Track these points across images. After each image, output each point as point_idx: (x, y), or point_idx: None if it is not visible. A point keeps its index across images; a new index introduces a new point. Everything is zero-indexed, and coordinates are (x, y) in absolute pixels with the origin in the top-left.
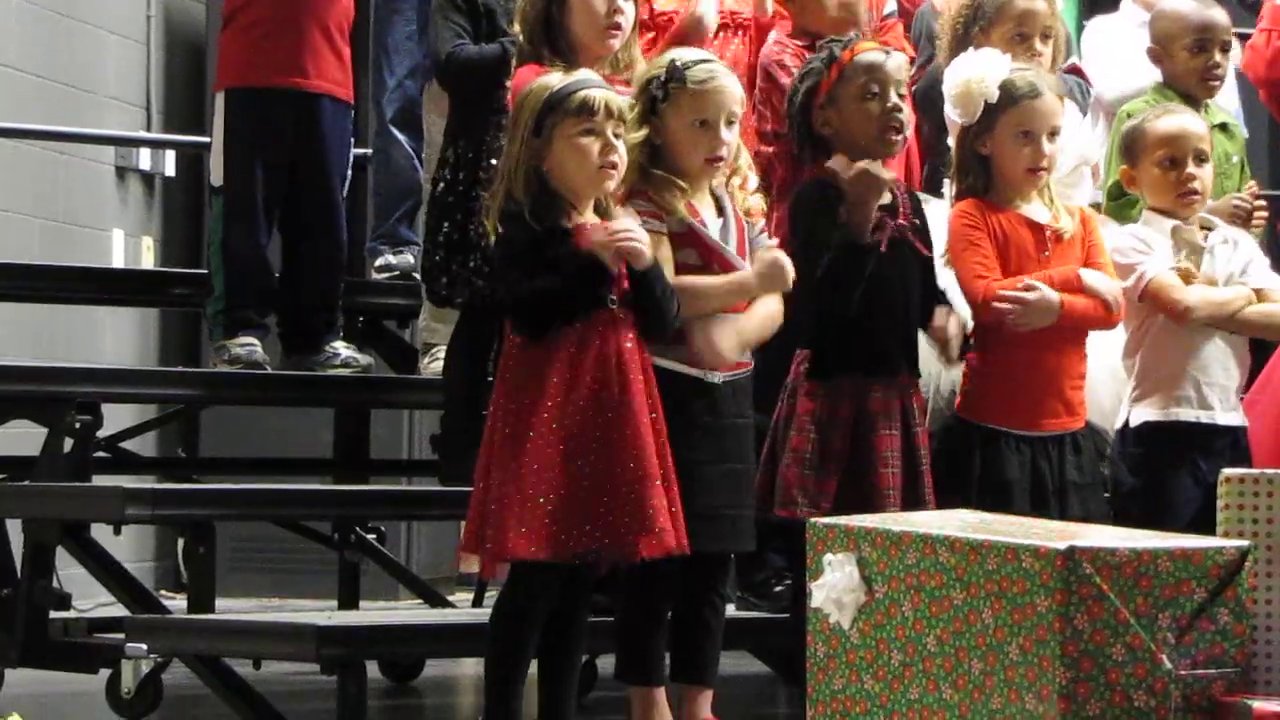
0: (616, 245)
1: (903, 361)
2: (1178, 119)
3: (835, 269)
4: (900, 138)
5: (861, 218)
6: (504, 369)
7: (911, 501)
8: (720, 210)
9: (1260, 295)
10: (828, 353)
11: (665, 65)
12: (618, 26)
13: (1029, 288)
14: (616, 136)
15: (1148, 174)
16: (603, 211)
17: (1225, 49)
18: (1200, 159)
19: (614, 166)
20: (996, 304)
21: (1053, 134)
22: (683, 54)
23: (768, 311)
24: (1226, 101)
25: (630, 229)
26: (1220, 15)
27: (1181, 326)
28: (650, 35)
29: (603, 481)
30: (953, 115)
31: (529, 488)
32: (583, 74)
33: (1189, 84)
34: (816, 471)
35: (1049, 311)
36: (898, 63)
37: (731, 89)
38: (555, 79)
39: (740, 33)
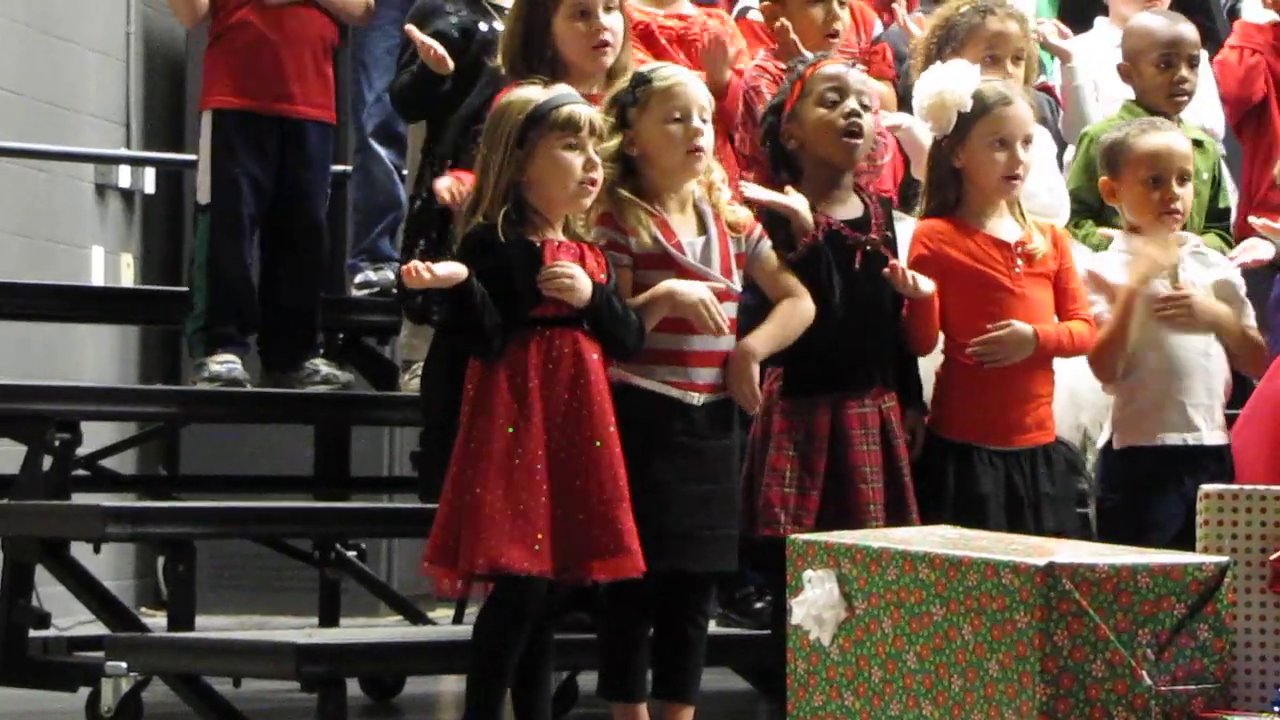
0: (547, 289)
1: (878, 376)
2: (1163, 137)
3: (801, 279)
4: (858, 142)
5: (796, 224)
6: (471, 384)
7: (896, 516)
8: (703, 229)
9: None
10: (801, 370)
11: (631, 77)
12: (605, 44)
13: (1000, 327)
14: (595, 154)
15: (1130, 190)
16: (571, 230)
17: (1193, 64)
18: (1183, 179)
19: (594, 183)
20: (970, 350)
21: (1026, 142)
22: (646, 66)
23: (789, 311)
24: (1213, 118)
25: (559, 273)
26: (1188, 30)
27: (1149, 347)
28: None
29: (574, 502)
30: (919, 133)
31: (520, 503)
32: (563, 89)
33: (1157, 99)
34: (798, 489)
35: (1024, 344)
36: (860, 75)
37: (698, 88)
38: (536, 92)
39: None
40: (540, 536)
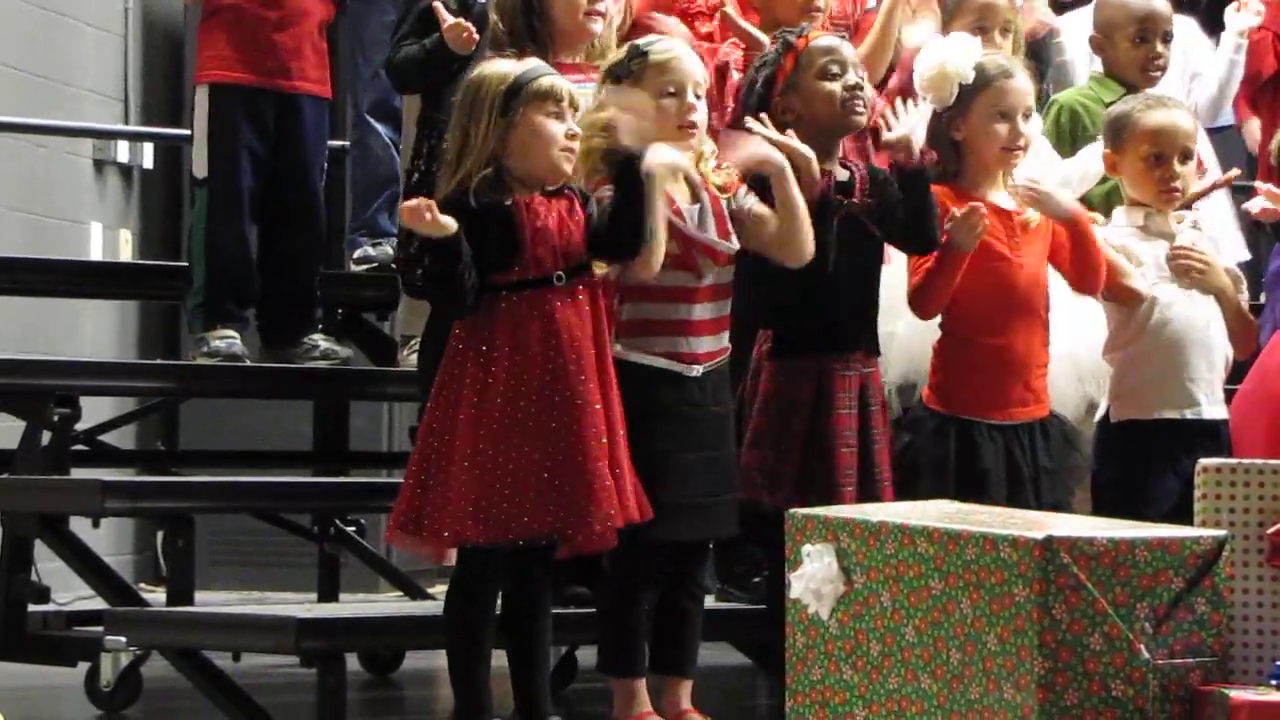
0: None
1: (860, 341)
2: (1168, 114)
3: None
4: (862, 115)
5: (806, 171)
6: (449, 351)
7: (865, 480)
8: (695, 196)
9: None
10: (787, 332)
11: (626, 49)
12: (599, 12)
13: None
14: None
15: (1132, 165)
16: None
17: (1167, 40)
18: (1185, 157)
19: (574, 149)
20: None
21: (1027, 114)
22: (644, 39)
23: None
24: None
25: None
26: (1163, 6)
27: (1151, 320)
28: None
29: (550, 465)
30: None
31: (475, 471)
32: (534, 62)
33: (1130, 74)
34: (775, 451)
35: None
36: (851, 48)
37: (694, 63)
38: (511, 65)
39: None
40: (505, 506)
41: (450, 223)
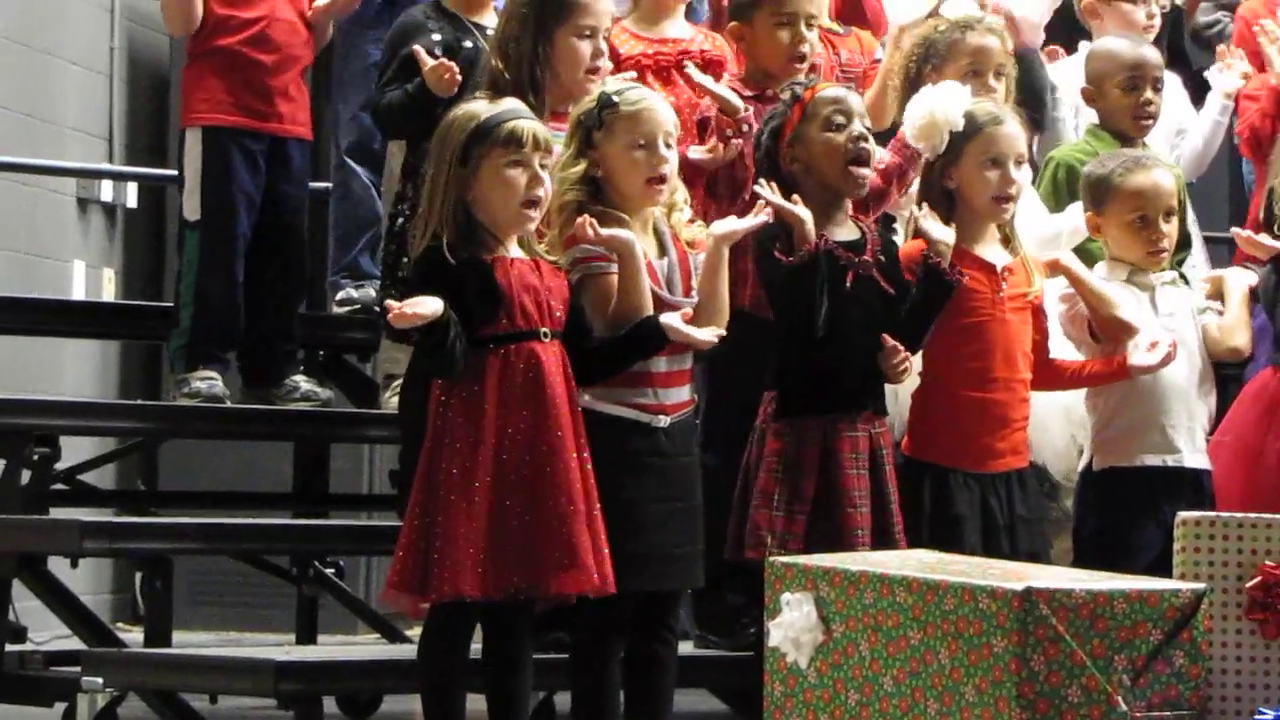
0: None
1: (869, 400)
2: (1149, 175)
3: (789, 295)
4: (866, 170)
5: (799, 233)
6: (434, 405)
7: (882, 542)
8: (663, 250)
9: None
10: (793, 392)
11: (596, 98)
12: (599, 70)
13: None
14: (543, 168)
15: (1116, 227)
16: (525, 246)
17: (1157, 87)
18: (1169, 215)
19: (538, 201)
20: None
21: (1019, 161)
22: (611, 85)
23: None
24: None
25: (406, 309)
26: (1152, 53)
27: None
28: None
29: (531, 518)
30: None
31: (460, 526)
32: (510, 103)
33: (1122, 122)
34: (786, 512)
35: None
36: (859, 99)
37: (665, 112)
38: (482, 107)
39: (710, 69)
40: (482, 558)
41: (434, 308)
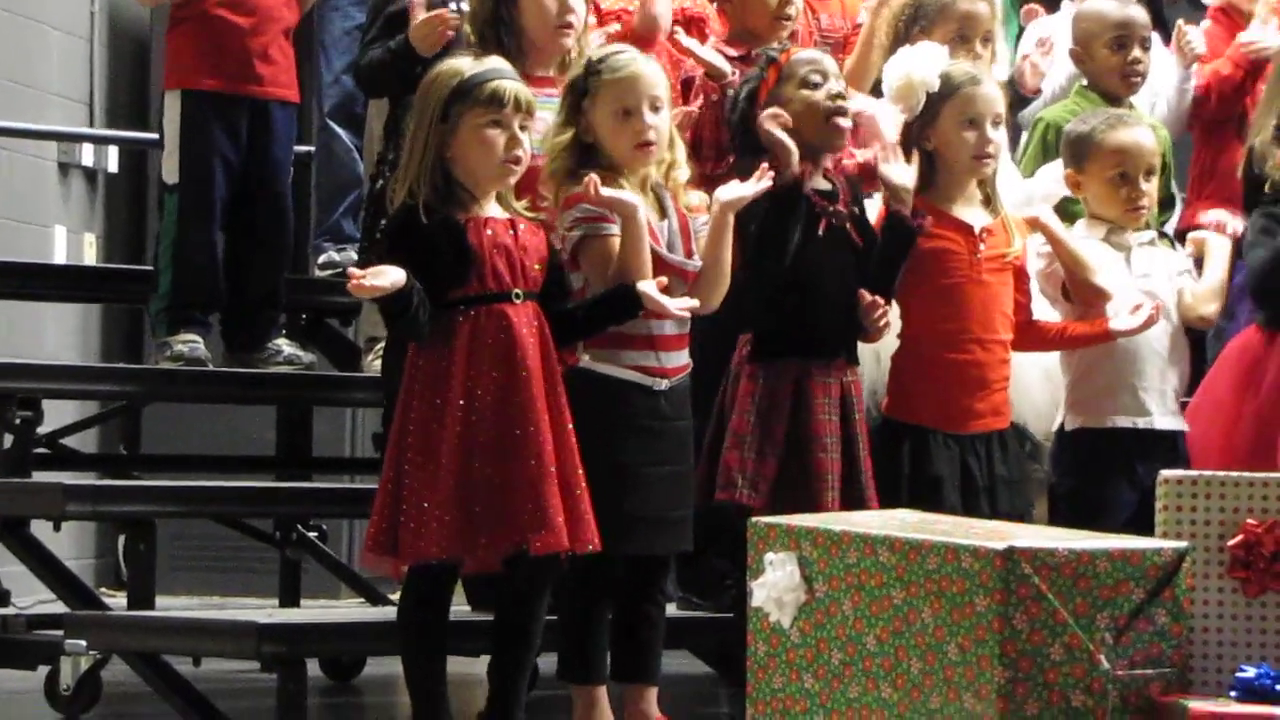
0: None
1: (841, 349)
2: (1131, 133)
3: (765, 226)
4: (845, 122)
5: (783, 155)
6: (409, 367)
7: (849, 490)
8: (663, 212)
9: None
10: (767, 335)
11: (584, 64)
12: (569, 25)
13: None
14: (523, 129)
15: (1096, 185)
16: (505, 203)
17: (1145, 46)
18: (1149, 174)
19: (517, 161)
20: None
21: (996, 121)
22: (600, 50)
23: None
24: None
25: (366, 280)
26: (1139, 13)
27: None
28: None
29: (501, 480)
30: (882, 122)
31: (426, 489)
32: (494, 62)
33: (1110, 82)
34: (756, 455)
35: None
36: (833, 61)
37: (651, 74)
38: (466, 64)
39: (692, 27)
40: (448, 520)
41: (394, 279)
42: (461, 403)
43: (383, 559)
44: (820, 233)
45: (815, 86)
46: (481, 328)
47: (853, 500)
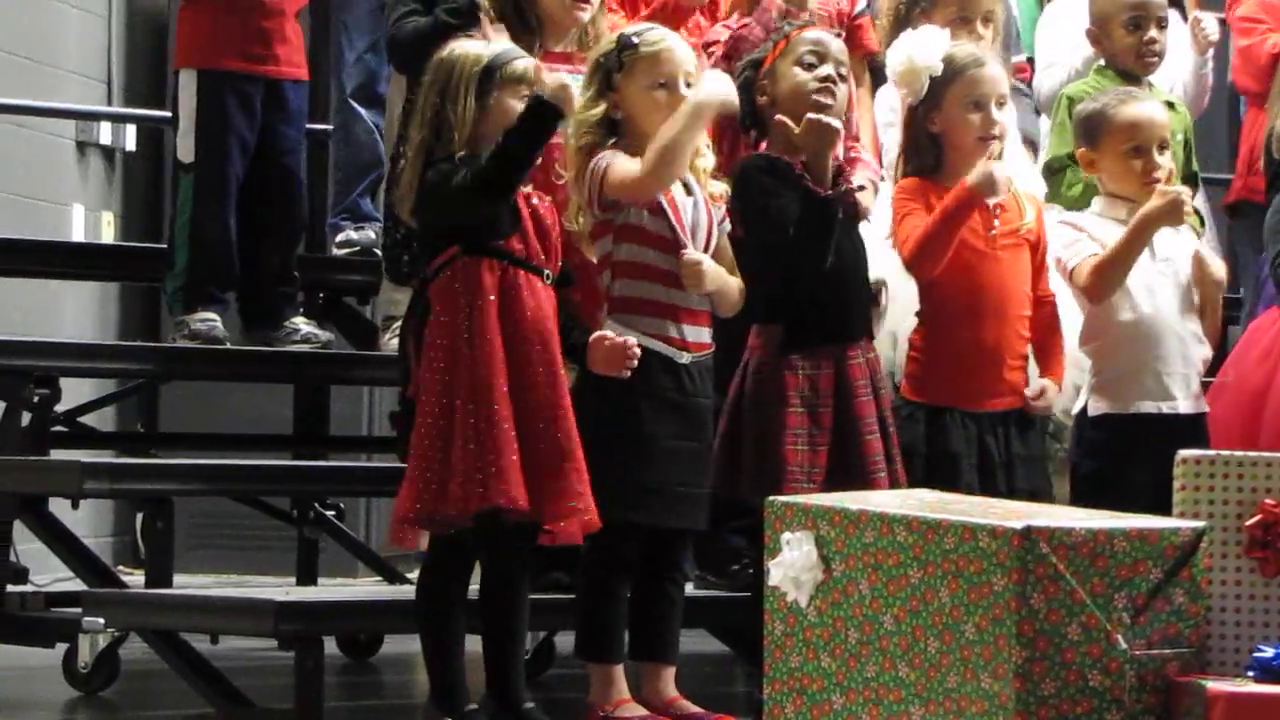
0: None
1: (863, 327)
2: (1143, 106)
3: (804, 227)
4: (830, 103)
5: (819, 168)
6: (435, 335)
7: (889, 468)
8: (689, 190)
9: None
10: (805, 324)
11: (615, 40)
12: (586, 0)
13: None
14: None
15: (1110, 161)
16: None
17: (1161, 25)
18: (1163, 147)
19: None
20: None
21: (1000, 102)
22: (631, 27)
23: (734, 285)
24: (1182, 79)
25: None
26: None
27: (1125, 311)
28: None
29: (542, 450)
30: (896, 95)
31: (498, 444)
32: (505, 44)
33: (1127, 61)
34: (809, 445)
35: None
36: (842, 45)
37: (684, 52)
38: (481, 46)
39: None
40: (505, 476)
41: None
42: (512, 368)
43: (418, 525)
44: (841, 217)
45: (809, 67)
46: (518, 287)
47: (892, 479)
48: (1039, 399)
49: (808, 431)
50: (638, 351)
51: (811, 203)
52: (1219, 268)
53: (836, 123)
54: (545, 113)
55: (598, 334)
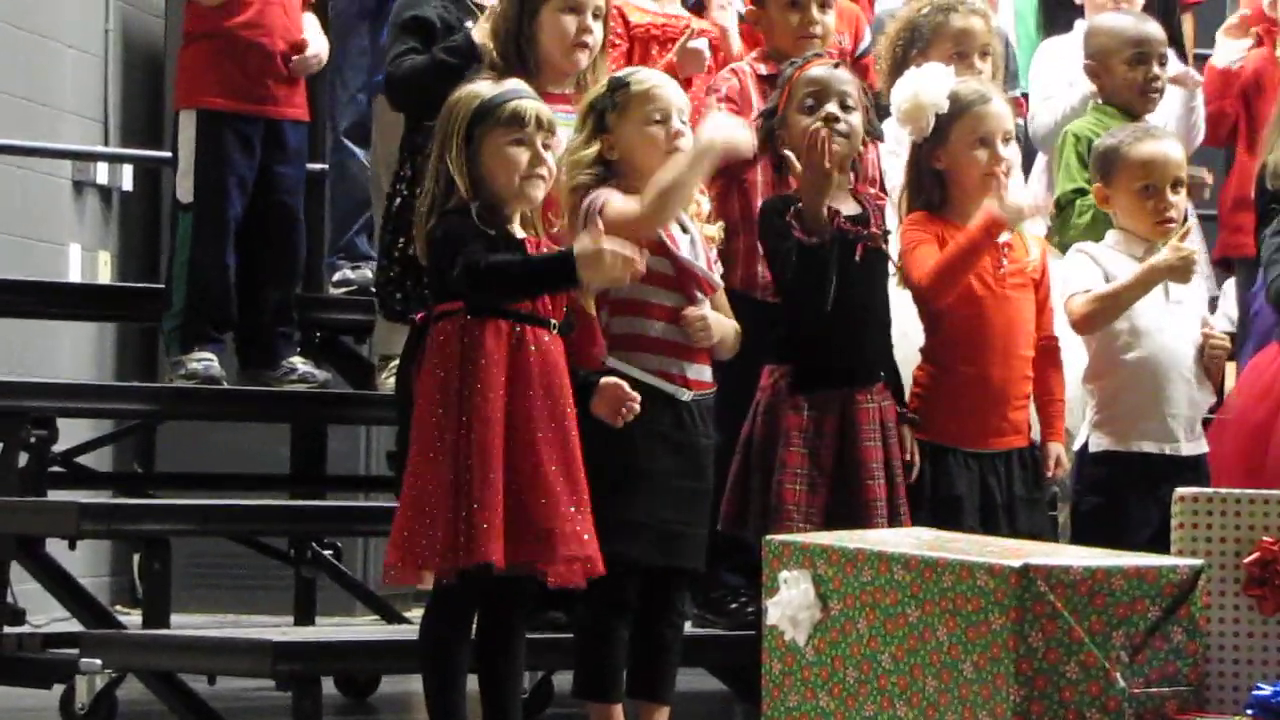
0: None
1: (879, 371)
2: (1158, 145)
3: (801, 272)
4: (840, 143)
5: (811, 215)
6: (427, 387)
7: (892, 515)
8: (684, 228)
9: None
10: (811, 365)
11: (607, 83)
12: (584, 45)
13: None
14: (546, 148)
15: (1124, 197)
16: (529, 224)
17: (1162, 61)
18: (1177, 186)
19: (542, 177)
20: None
21: (1006, 138)
22: (622, 71)
23: (732, 330)
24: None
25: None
26: (1156, 28)
27: (1133, 350)
28: (624, 47)
29: (541, 497)
30: (901, 133)
31: (484, 501)
32: (513, 84)
33: (1128, 98)
34: (808, 486)
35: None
36: (843, 75)
37: (676, 91)
38: (485, 87)
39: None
40: (504, 528)
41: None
42: (514, 416)
43: (426, 569)
44: (857, 259)
45: (810, 110)
46: (521, 342)
47: (894, 524)
48: (1058, 469)
49: (807, 472)
50: (636, 408)
51: (805, 248)
52: (1224, 341)
53: (835, 172)
54: (568, 270)
55: (606, 380)
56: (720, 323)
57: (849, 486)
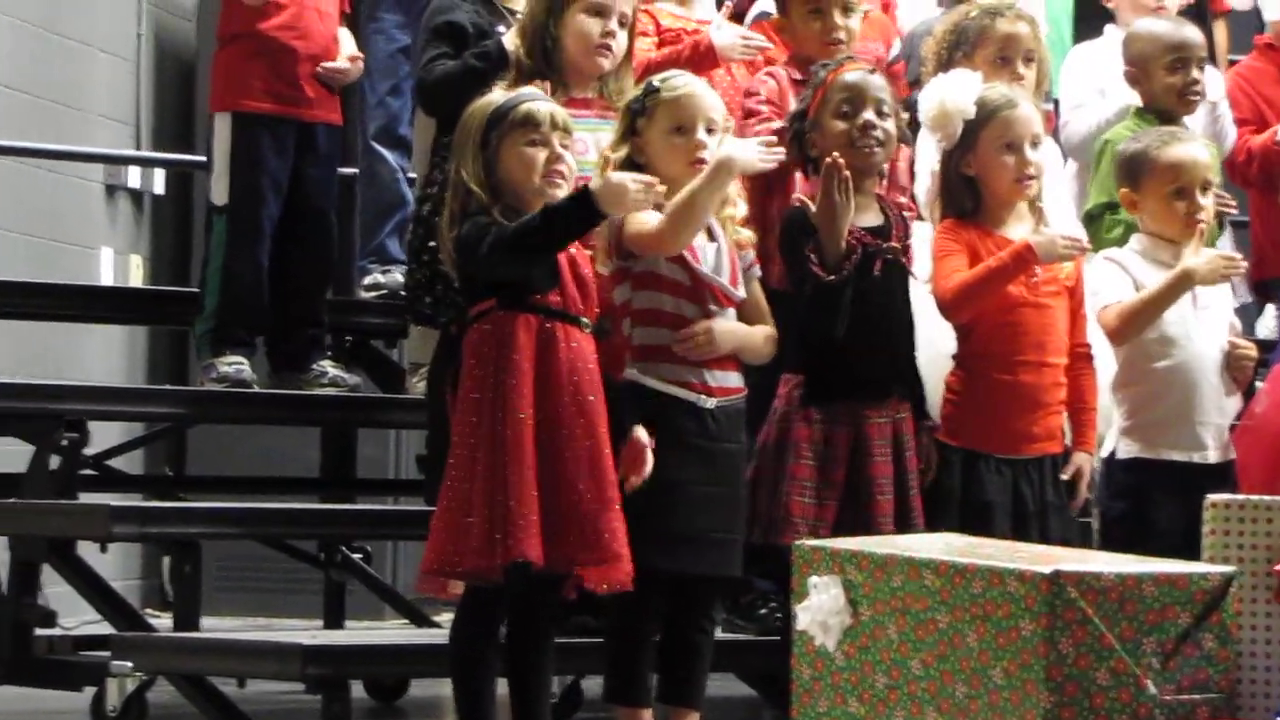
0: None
1: (895, 385)
2: (1186, 148)
3: (816, 299)
4: (875, 155)
5: (830, 249)
6: (466, 388)
7: (902, 528)
8: (711, 235)
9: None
10: (823, 378)
11: (642, 86)
12: (607, 48)
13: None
14: (564, 148)
15: (1153, 202)
16: None
17: (1201, 65)
18: (1206, 188)
19: (561, 175)
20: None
21: (1035, 142)
22: (662, 74)
23: (758, 336)
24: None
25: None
26: (1194, 33)
27: (1164, 359)
28: (653, 41)
29: (570, 499)
30: (930, 139)
31: (520, 499)
32: (527, 90)
33: (1169, 102)
34: (816, 499)
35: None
36: (879, 81)
37: (707, 97)
38: (498, 95)
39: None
40: (541, 526)
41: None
42: (544, 415)
43: (442, 580)
44: (876, 273)
45: (845, 116)
46: (554, 339)
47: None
48: (1081, 480)
49: (815, 485)
50: (647, 471)
51: (818, 281)
52: (1250, 349)
53: (849, 202)
54: (589, 205)
55: (635, 437)
56: (735, 332)
57: (859, 501)
